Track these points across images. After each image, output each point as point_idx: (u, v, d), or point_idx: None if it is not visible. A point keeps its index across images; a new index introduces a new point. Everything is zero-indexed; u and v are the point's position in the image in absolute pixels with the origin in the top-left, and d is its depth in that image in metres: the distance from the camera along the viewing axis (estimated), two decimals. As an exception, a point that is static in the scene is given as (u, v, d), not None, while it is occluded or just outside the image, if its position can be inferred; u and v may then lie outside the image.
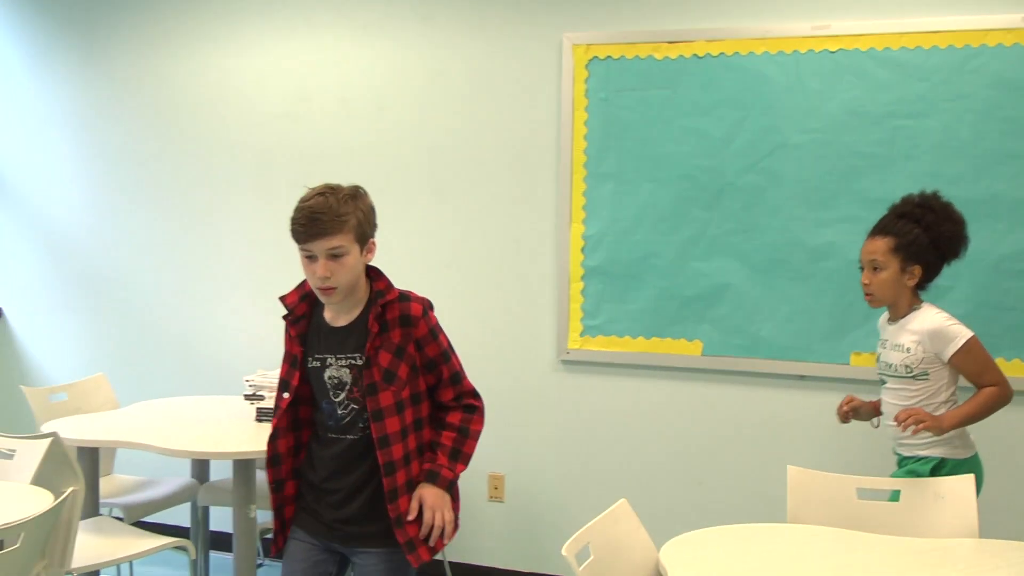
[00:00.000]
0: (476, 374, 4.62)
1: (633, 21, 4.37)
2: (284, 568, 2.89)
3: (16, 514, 2.66)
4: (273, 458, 2.88)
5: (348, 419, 2.80)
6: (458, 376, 2.92)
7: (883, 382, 3.39)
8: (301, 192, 4.87)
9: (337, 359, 2.81)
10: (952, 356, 3.20)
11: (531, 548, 4.65)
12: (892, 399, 3.34)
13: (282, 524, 2.93)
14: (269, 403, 4.10)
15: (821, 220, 4.13)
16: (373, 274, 2.90)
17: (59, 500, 2.77)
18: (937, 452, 3.25)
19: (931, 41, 4.00)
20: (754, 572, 2.53)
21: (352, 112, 4.83)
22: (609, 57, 4.36)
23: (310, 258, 2.75)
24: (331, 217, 2.72)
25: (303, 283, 2.92)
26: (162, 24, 5.16)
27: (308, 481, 2.88)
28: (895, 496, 3.03)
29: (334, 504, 2.82)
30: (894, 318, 3.36)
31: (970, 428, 3.27)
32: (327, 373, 2.82)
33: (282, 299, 2.94)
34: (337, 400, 2.81)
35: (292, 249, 4.89)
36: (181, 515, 4.85)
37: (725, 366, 4.31)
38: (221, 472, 4.63)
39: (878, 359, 3.42)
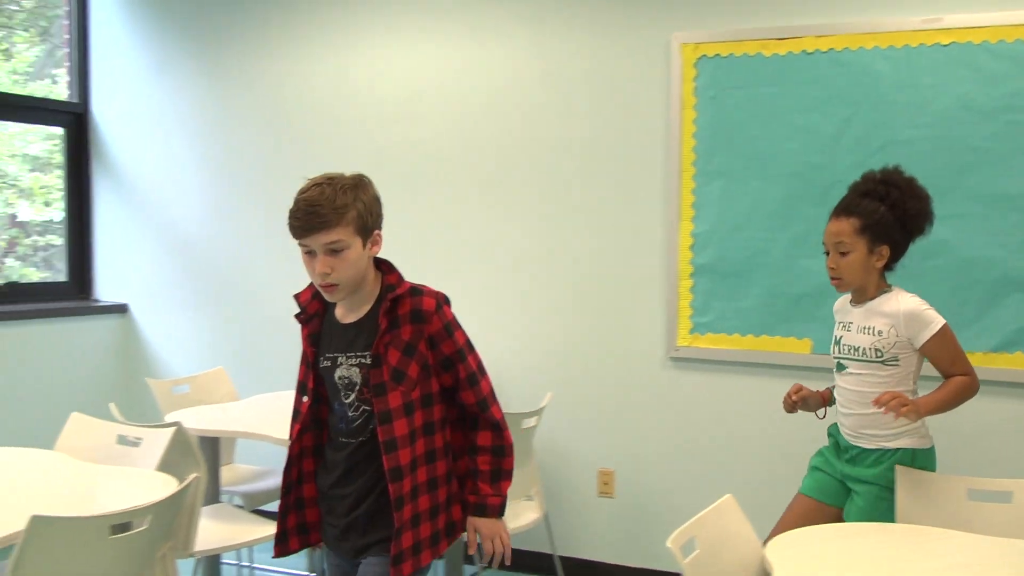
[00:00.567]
0: (586, 371, 4.69)
1: (741, 19, 4.36)
2: None
3: (143, 498, 2.79)
4: (288, 462, 2.72)
5: (359, 421, 2.63)
6: (475, 377, 2.70)
7: (840, 368, 3.27)
8: (414, 190, 5.01)
9: (347, 358, 2.64)
10: (927, 342, 3.08)
11: (640, 543, 4.68)
12: (853, 385, 3.21)
13: (283, 532, 2.76)
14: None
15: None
16: (384, 268, 2.76)
17: (183, 485, 2.88)
18: (906, 443, 3.15)
19: (1048, 34, 3.92)
20: (861, 571, 2.53)
21: (463, 112, 4.92)
22: (717, 55, 4.37)
23: (309, 254, 2.57)
24: (328, 209, 2.54)
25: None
26: (278, 29, 5.32)
27: (320, 490, 2.73)
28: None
29: (343, 512, 2.67)
30: (860, 301, 3.24)
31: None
32: (337, 373, 2.65)
33: (296, 297, 2.79)
34: (347, 401, 2.64)
35: (404, 245, 5.03)
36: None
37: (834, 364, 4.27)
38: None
39: (837, 342, 3.30)
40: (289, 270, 5.36)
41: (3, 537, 2.60)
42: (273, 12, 5.34)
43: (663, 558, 4.61)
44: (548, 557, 4.62)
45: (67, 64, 5.88)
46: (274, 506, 4.93)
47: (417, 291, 2.68)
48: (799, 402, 3.43)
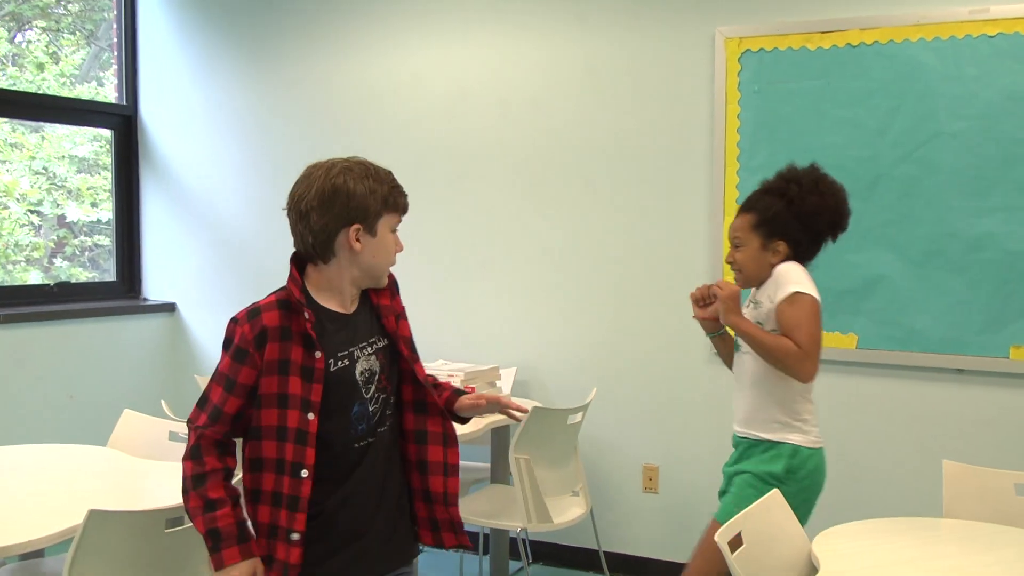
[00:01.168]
0: (631, 367, 4.70)
1: (785, 12, 4.35)
2: None
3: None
4: (299, 503, 2.33)
5: (379, 414, 2.46)
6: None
7: (736, 347, 3.21)
8: (459, 187, 5.03)
9: (362, 349, 2.46)
10: (780, 302, 2.96)
11: (684, 539, 4.68)
12: (742, 365, 3.15)
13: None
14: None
15: (979, 210, 4.05)
16: None
17: (234, 480, 2.93)
18: (791, 438, 3.04)
19: (1096, 24, 3.89)
20: (908, 565, 2.53)
21: (507, 110, 4.94)
22: (762, 50, 4.36)
23: (393, 232, 2.49)
24: None
25: (293, 276, 2.43)
26: (323, 27, 5.36)
27: (352, 522, 2.42)
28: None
29: (384, 520, 2.48)
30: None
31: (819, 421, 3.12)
32: (358, 368, 2.44)
33: (287, 292, 2.40)
34: (368, 396, 2.45)
35: (448, 242, 5.06)
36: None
37: (880, 359, 4.26)
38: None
39: None
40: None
41: (62, 531, 2.66)
42: (318, 12, 5.38)
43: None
44: (593, 552, 4.63)
45: (115, 66, 5.96)
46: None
47: None
48: (709, 301, 3.21)
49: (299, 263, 2.46)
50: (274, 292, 2.42)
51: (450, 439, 2.57)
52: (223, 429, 2.35)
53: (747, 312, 3.10)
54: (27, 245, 5.69)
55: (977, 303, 4.07)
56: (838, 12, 4.26)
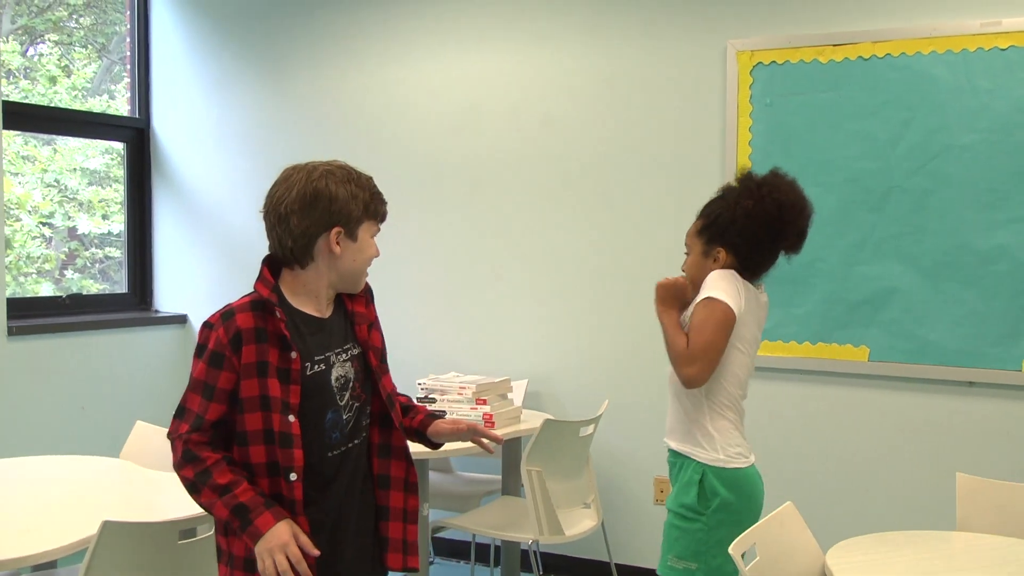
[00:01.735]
0: (643, 378, 4.70)
1: (797, 25, 4.36)
2: None
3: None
4: (293, 505, 2.32)
5: (352, 423, 2.43)
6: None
7: None
8: (471, 200, 5.03)
9: (337, 355, 2.41)
10: (696, 303, 2.84)
11: (696, 551, 4.67)
12: (672, 378, 3.01)
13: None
14: (441, 406, 4.22)
15: (992, 222, 4.04)
16: None
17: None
18: (696, 454, 2.90)
19: (1109, 37, 3.88)
20: (923, 577, 2.52)
21: (521, 122, 4.95)
22: (773, 62, 4.36)
23: (372, 237, 2.45)
24: None
25: (263, 277, 2.39)
26: (336, 40, 5.38)
27: (321, 527, 2.38)
28: None
29: (342, 537, 2.43)
30: None
31: (746, 438, 3.01)
32: (334, 374, 2.39)
33: (258, 290, 2.36)
34: (343, 404, 2.41)
35: (461, 254, 5.06)
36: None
37: (892, 372, 4.25)
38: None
39: None
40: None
41: (76, 541, 2.67)
42: (330, 24, 5.40)
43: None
44: (605, 565, 4.62)
45: (126, 79, 5.99)
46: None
47: None
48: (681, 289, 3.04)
49: (274, 266, 2.42)
50: (247, 295, 2.38)
51: (410, 458, 2.53)
52: (206, 438, 2.29)
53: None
54: (39, 257, 5.71)
55: (990, 315, 4.06)
56: (850, 25, 4.26)
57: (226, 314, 2.32)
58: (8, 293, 4.98)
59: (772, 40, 4.37)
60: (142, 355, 5.62)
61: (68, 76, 5.91)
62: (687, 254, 3.01)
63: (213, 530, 2.64)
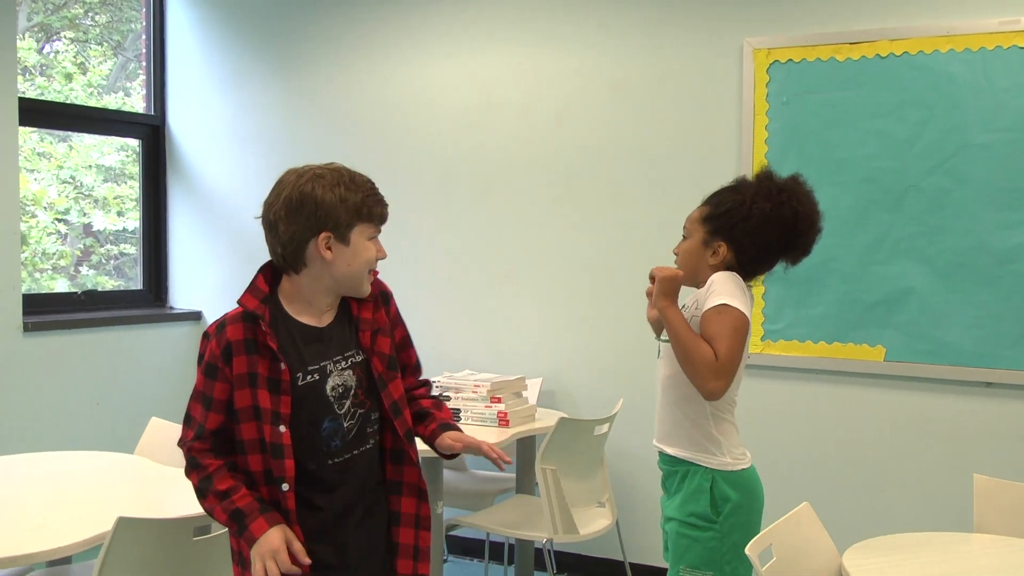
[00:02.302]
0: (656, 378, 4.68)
1: (814, 23, 4.34)
2: None
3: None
4: (286, 515, 2.33)
5: (356, 430, 2.40)
6: (419, 362, 2.65)
7: (659, 354, 2.92)
8: (485, 198, 5.03)
9: (336, 363, 2.38)
10: (707, 310, 2.68)
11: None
12: (663, 368, 2.87)
13: None
14: (456, 404, 4.21)
15: (1010, 222, 4.02)
16: None
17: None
18: (707, 461, 2.78)
19: None
20: (941, 579, 2.51)
21: (534, 121, 4.94)
22: (790, 60, 4.34)
23: (374, 239, 2.41)
24: None
25: (255, 285, 2.41)
26: (350, 38, 5.38)
27: (322, 532, 2.39)
28: None
29: (349, 543, 2.42)
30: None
31: (744, 439, 2.90)
32: (329, 384, 2.37)
33: (242, 304, 2.37)
34: (342, 412, 2.38)
35: (474, 252, 5.05)
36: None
37: (909, 372, 4.23)
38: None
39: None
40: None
41: (90, 537, 2.67)
42: (344, 22, 5.40)
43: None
44: (619, 564, 4.61)
45: (142, 77, 6.00)
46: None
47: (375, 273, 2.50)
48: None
49: (275, 273, 2.43)
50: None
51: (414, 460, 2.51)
52: (208, 445, 2.35)
53: None
54: (54, 253, 5.72)
55: (1007, 316, 4.04)
56: (868, 23, 4.24)
57: (220, 325, 2.35)
58: (24, 289, 5.00)
59: (789, 38, 4.35)
60: (157, 351, 5.63)
61: (84, 73, 5.92)
62: (684, 237, 2.90)
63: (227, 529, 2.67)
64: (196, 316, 5.82)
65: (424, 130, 5.21)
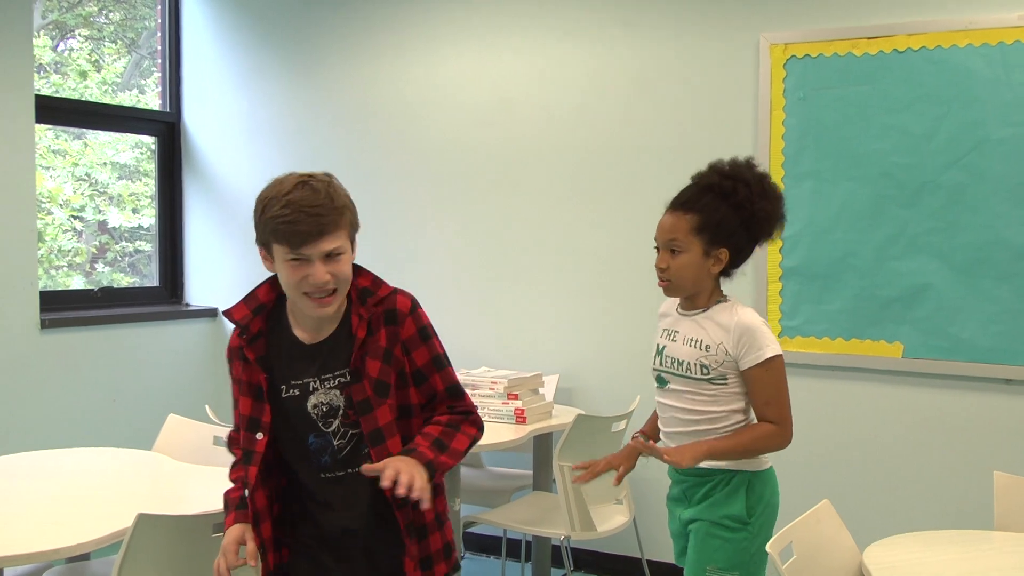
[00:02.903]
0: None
1: (831, 18, 4.32)
2: None
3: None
4: (253, 517, 2.35)
5: (348, 449, 2.33)
6: (457, 389, 2.40)
7: (661, 382, 2.84)
8: (503, 194, 5.03)
9: (322, 381, 2.31)
10: (753, 366, 2.64)
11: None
12: (676, 402, 2.78)
13: None
14: (472, 401, 4.20)
15: (1029, 217, 4.00)
16: (354, 271, 2.37)
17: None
18: (744, 466, 2.73)
19: None
20: (963, 577, 2.50)
21: (551, 116, 4.93)
22: (807, 56, 4.32)
23: (298, 262, 2.23)
24: (330, 210, 2.22)
25: (253, 294, 2.42)
26: (365, 34, 5.38)
27: (324, 537, 2.40)
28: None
29: (358, 554, 2.40)
30: (690, 308, 2.82)
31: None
32: (311, 402, 2.31)
33: (228, 315, 2.38)
34: (330, 430, 2.31)
35: (492, 249, 5.05)
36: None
37: (926, 369, 4.21)
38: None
39: (660, 352, 2.86)
40: (380, 275, 5.40)
41: (109, 534, 2.68)
42: (359, 18, 5.40)
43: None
44: (636, 561, 4.60)
45: (156, 74, 6.01)
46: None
47: (394, 290, 2.39)
48: (600, 471, 2.95)
49: None
50: None
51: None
52: (238, 437, 2.44)
53: (679, 348, 2.78)
54: (70, 250, 5.74)
55: (1026, 312, 4.02)
56: (885, 18, 4.22)
57: (233, 329, 2.41)
58: (40, 286, 5.01)
59: (806, 33, 4.33)
60: (173, 348, 5.64)
61: (98, 71, 5.93)
62: (674, 251, 2.77)
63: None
64: (212, 313, 5.83)
65: (441, 126, 5.21)
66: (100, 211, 5.87)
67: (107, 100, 5.84)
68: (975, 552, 2.70)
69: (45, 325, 4.96)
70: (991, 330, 4.08)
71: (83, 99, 5.69)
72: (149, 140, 5.90)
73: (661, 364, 2.83)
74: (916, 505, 4.28)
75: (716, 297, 2.80)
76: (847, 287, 4.30)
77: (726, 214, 2.70)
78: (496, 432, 4.02)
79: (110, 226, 5.92)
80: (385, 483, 2.12)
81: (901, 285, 4.21)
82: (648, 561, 4.59)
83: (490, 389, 4.20)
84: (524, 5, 4.98)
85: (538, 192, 4.98)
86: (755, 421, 2.76)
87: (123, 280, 5.98)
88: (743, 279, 4.47)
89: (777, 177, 4.38)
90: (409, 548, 2.33)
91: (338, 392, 2.30)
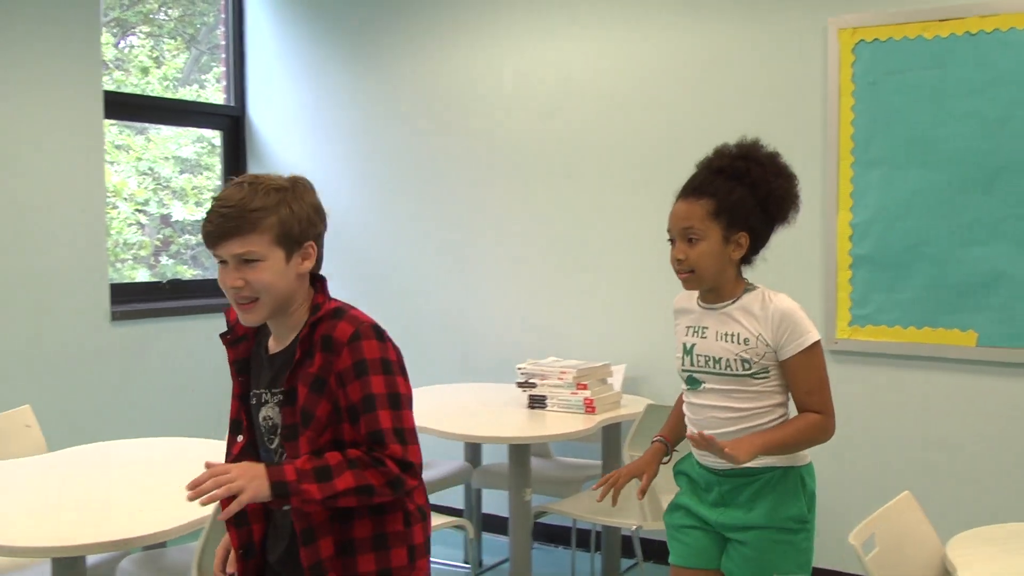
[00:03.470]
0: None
1: (900, 1, 4.24)
2: None
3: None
4: (237, 517, 2.25)
5: None
6: (379, 437, 2.08)
7: (694, 383, 2.67)
8: (565, 185, 5.02)
9: (272, 395, 2.21)
10: (793, 356, 2.50)
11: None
12: (717, 401, 2.60)
13: None
14: (541, 391, 4.20)
15: (1109, 202, 3.92)
16: (317, 286, 2.30)
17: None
18: (785, 461, 2.58)
19: None
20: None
21: (615, 104, 4.90)
22: (876, 40, 4.26)
23: (223, 264, 2.15)
24: (239, 213, 2.09)
25: None
26: (429, 24, 5.38)
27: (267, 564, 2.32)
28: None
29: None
30: (715, 301, 2.66)
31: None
32: (263, 413, 2.24)
33: (226, 313, 2.35)
34: (272, 447, 2.24)
35: (555, 241, 5.03)
36: (451, 497, 5.03)
37: (1001, 357, 4.12)
38: (490, 456, 4.79)
39: (688, 352, 2.68)
40: (449, 266, 5.42)
41: (186, 523, 2.70)
42: (422, 9, 5.40)
43: (828, 555, 4.51)
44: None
45: (216, 68, 6.05)
46: (430, 498, 5.02)
47: (339, 314, 2.20)
48: (623, 483, 2.80)
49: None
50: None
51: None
52: None
53: (712, 345, 2.61)
54: (134, 244, 5.80)
55: (1106, 299, 3.94)
56: None
57: None
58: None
59: (875, 16, 4.26)
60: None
61: (159, 67, 5.98)
62: (691, 240, 2.59)
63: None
64: (275, 305, 5.86)
65: (504, 117, 5.20)
66: (164, 205, 5.92)
67: (168, 95, 5.88)
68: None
69: (116, 317, 5.02)
70: (1068, 318, 4.00)
71: (146, 95, 5.74)
72: (211, 134, 5.94)
73: (693, 364, 2.66)
74: (994, 497, 4.20)
75: (742, 285, 2.66)
76: (919, 275, 4.23)
77: (742, 195, 2.57)
78: (565, 422, 4.00)
79: (173, 219, 5.97)
80: (190, 491, 2.04)
81: (975, 272, 4.13)
82: (717, 552, 4.55)
83: (559, 379, 4.19)
84: (587, -7, 4.96)
85: (603, 181, 4.95)
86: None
87: (187, 272, 6.04)
88: (812, 268, 4.44)
89: (846, 164, 4.32)
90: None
91: (278, 409, 2.20)
